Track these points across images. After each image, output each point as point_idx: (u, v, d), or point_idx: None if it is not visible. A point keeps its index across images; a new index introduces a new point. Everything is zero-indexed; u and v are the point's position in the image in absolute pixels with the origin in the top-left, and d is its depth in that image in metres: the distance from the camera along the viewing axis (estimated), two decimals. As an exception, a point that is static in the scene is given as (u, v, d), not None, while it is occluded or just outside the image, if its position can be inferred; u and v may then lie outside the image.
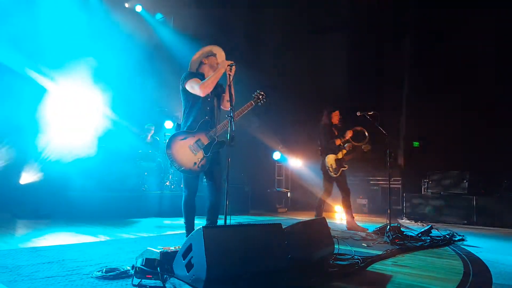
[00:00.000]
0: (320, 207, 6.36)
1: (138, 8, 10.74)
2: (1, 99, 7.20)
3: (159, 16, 11.40)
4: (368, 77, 10.67)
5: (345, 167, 6.39)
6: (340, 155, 6.38)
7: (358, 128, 6.37)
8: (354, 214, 6.48)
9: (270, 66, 11.63)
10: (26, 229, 5.53)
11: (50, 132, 7.55)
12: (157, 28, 11.13)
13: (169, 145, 3.87)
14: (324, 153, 6.41)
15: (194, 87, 3.88)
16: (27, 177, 7.73)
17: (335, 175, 6.32)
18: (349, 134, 6.31)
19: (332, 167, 6.32)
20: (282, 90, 10.94)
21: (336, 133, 6.45)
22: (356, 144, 6.40)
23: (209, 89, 3.87)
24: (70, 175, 7.53)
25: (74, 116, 8.01)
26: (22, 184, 7.78)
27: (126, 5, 10.63)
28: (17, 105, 7.38)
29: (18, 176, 7.72)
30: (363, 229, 6.05)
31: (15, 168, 7.66)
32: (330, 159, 6.35)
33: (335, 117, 6.46)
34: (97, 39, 8.65)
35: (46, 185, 7.64)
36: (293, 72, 11.62)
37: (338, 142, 6.34)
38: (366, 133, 6.32)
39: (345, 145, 6.37)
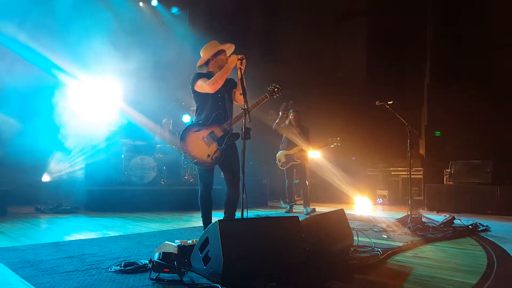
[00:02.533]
0: (291, 193, 7.48)
1: (154, 2, 10.80)
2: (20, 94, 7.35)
3: (174, 10, 11.43)
4: (390, 66, 10.43)
5: (296, 161, 7.22)
6: (292, 152, 7.22)
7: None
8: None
9: (289, 57, 11.50)
10: (48, 223, 5.65)
11: (68, 129, 7.68)
12: (173, 22, 11.16)
13: (182, 137, 3.87)
14: (279, 148, 7.39)
15: (203, 86, 3.87)
16: (50, 173, 7.89)
17: (282, 168, 7.35)
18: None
19: (280, 162, 7.33)
20: (301, 81, 10.82)
21: (298, 132, 7.18)
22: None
23: (218, 85, 3.84)
24: (90, 170, 7.66)
25: (92, 111, 8.12)
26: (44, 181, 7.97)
27: (141, 4, 10.69)
28: (34, 97, 7.53)
29: (41, 172, 7.90)
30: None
31: (38, 164, 7.83)
32: (280, 155, 7.33)
33: (291, 116, 7.16)
34: (114, 34, 8.73)
35: (67, 180, 7.80)
36: (313, 63, 11.47)
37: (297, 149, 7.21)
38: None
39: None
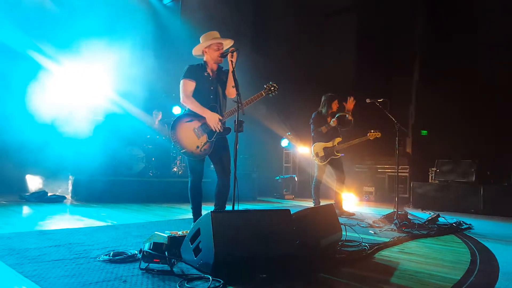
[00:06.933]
0: (317, 191, 6.51)
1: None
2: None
3: (166, 0, 11.31)
4: (378, 63, 10.50)
5: (337, 155, 6.34)
6: (330, 144, 6.32)
7: (342, 114, 6.27)
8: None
9: (278, 51, 11.51)
10: (33, 212, 5.58)
11: (54, 117, 7.51)
12: (165, 13, 11.05)
13: (173, 126, 3.84)
14: (314, 140, 6.43)
15: (181, 90, 3.93)
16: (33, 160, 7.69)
17: (320, 163, 6.34)
18: (334, 123, 6.21)
19: (317, 155, 6.33)
20: (290, 77, 10.84)
21: (329, 120, 6.29)
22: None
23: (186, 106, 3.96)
24: (76, 159, 7.55)
25: (79, 99, 7.97)
26: (29, 167, 7.81)
27: None
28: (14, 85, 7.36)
29: (25, 159, 7.71)
30: (350, 214, 6.21)
31: (22, 152, 7.63)
32: (317, 147, 6.35)
33: (334, 106, 6.37)
34: (105, 21, 8.59)
35: (52, 169, 7.68)
36: (302, 58, 11.50)
37: (324, 130, 6.25)
38: (349, 117, 6.23)
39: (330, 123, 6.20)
